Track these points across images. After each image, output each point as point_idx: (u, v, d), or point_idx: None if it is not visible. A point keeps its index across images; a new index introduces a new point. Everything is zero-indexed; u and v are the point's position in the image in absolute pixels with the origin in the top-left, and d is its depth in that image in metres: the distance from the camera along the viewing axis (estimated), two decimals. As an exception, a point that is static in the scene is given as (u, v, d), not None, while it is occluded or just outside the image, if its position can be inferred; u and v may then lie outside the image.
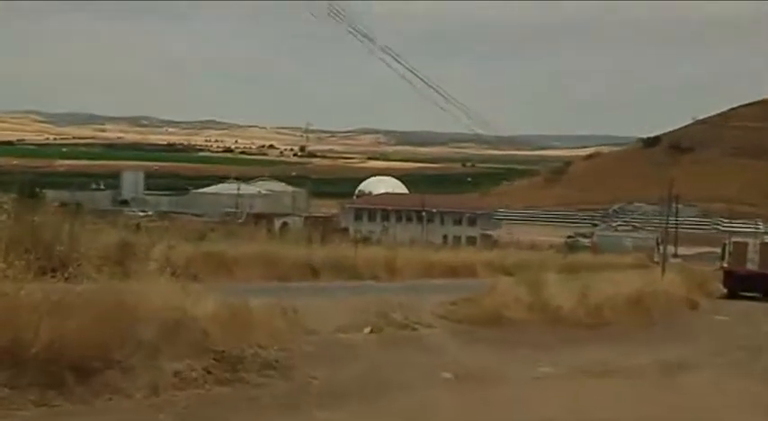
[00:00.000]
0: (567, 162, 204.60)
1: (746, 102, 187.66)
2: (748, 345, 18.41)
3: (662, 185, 63.13)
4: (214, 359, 10.40)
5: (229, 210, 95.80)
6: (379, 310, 15.04)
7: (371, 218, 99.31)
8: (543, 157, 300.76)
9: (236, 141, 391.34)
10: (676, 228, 74.43)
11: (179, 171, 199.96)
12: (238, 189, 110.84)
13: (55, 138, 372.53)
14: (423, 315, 16.06)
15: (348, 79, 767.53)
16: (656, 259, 51.65)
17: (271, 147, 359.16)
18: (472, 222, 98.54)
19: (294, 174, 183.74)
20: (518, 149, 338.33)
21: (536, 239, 76.45)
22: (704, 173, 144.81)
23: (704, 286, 31.18)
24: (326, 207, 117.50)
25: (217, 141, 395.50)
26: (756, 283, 32.02)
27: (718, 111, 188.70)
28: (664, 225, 57.17)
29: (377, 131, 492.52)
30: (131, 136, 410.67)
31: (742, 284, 32.45)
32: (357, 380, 11.34)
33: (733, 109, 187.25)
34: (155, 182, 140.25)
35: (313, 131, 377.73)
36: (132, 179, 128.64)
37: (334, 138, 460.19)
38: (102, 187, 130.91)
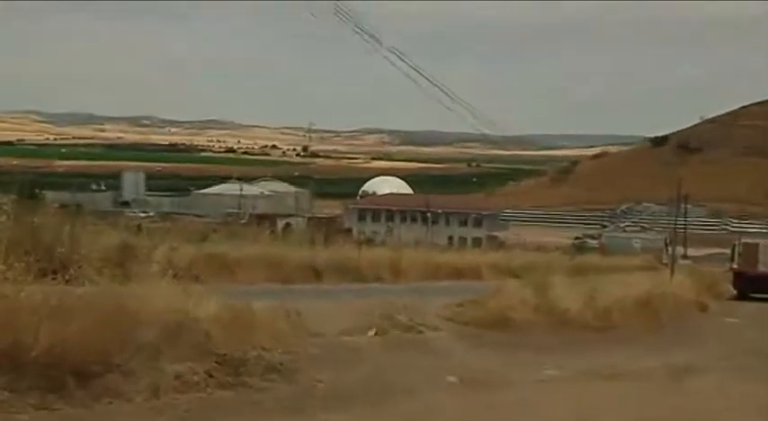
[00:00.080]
0: (574, 162, 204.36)
1: (756, 100, 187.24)
2: (758, 349, 18.35)
3: (670, 185, 63.22)
4: (216, 362, 10.40)
5: (232, 210, 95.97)
6: (384, 313, 15.03)
7: (375, 219, 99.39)
8: (550, 157, 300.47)
9: (239, 141, 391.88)
10: (685, 228, 74.43)
11: (181, 171, 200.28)
12: (241, 189, 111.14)
13: (55, 139, 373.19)
14: (428, 317, 16.05)
15: (351, 79, 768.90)
16: (664, 261, 51.52)
17: (273, 147, 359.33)
18: (478, 223, 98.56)
19: (297, 174, 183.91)
20: (524, 149, 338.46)
21: (543, 241, 76.44)
22: (713, 172, 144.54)
23: (714, 288, 31.06)
24: (330, 208, 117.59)
25: (219, 141, 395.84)
26: (767, 285, 31.95)
27: (727, 111, 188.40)
28: (672, 226, 57.19)
29: (381, 131, 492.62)
30: (132, 136, 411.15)
31: (752, 286, 32.38)
32: (362, 383, 11.34)
33: (743, 107, 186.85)
34: (156, 182, 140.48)
35: (316, 131, 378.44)
36: (133, 180, 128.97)
37: (337, 138, 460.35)
38: (102, 188, 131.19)
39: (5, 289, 9.26)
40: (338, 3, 21.25)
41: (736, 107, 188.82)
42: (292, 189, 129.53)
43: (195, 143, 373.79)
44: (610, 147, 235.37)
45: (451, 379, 12.36)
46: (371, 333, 14.27)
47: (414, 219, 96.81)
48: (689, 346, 17.93)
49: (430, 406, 10.87)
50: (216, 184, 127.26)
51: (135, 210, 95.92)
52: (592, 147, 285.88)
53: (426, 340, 14.81)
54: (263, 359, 10.97)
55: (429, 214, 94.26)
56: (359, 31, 21.86)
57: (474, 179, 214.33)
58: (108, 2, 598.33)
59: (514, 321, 17.37)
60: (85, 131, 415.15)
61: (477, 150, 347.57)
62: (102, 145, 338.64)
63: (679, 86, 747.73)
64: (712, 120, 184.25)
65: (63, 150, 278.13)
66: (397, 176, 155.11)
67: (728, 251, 38.44)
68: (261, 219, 78.37)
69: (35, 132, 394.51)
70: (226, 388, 10.19)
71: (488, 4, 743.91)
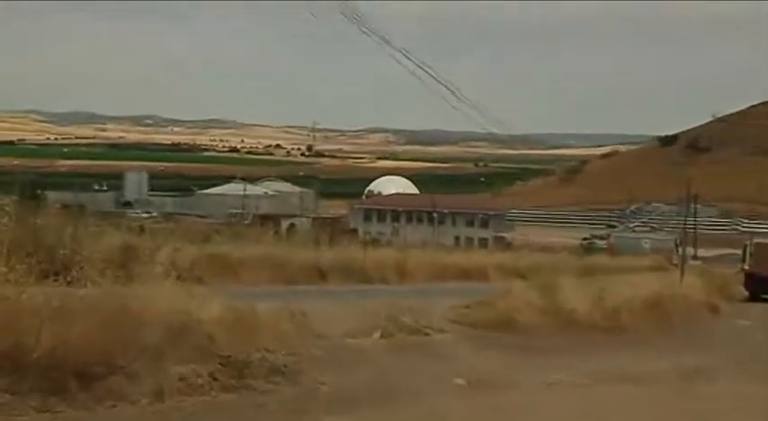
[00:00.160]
0: (583, 161, 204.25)
1: (766, 99, 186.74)
2: (770, 351, 18.33)
3: (680, 185, 63.16)
4: (220, 364, 10.41)
5: (235, 211, 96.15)
6: (389, 314, 15.02)
7: (381, 219, 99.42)
8: (558, 157, 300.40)
9: (243, 141, 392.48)
10: (695, 229, 74.25)
11: (184, 171, 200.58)
12: (244, 190, 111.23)
13: (56, 138, 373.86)
14: (434, 319, 16.04)
15: (356, 78, 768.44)
16: (674, 261, 51.45)
17: (277, 146, 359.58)
18: (485, 224, 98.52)
19: (302, 174, 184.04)
20: (532, 148, 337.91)
21: (550, 241, 76.38)
22: (723, 172, 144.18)
23: (725, 289, 31.00)
24: (335, 208, 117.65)
25: (222, 141, 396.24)
26: None
27: (737, 110, 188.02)
28: (682, 226, 57.12)
29: (386, 130, 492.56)
30: (134, 135, 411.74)
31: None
32: (366, 385, 11.34)
33: (753, 107, 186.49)
34: (159, 182, 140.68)
35: (321, 130, 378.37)
36: (136, 180, 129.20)
37: (342, 138, 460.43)
38: (104, 188, 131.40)
39: (7, 290, 9.29)
40: (344, 3, 21.22)
41: (745, 106, 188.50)
42: (296, 189, 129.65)
43: (198, 143, 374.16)
44: (619, 146, 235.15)
45: (459, 381, 12.35)
46: (377, 335, 14.26)
47: (420, 220, 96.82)
48: (699, 349, 17.88)
49: (436, 409, 10.86)
50: (219, 184, 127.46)
51: (137, 211, 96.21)
52: (600, 146, 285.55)
53: (432, 342, 14.81)
54: (267, 361, 10.97)
55: (435, 214, 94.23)
56: (366, 30, 21.83)
57: (482, 179, 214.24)
58: (108, 2, 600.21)
59: (521, 323, 17.36)
60: (87, 131, 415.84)
61: (483, 149, 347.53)
62: (104, 144, 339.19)
63: (688, 85, 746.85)
64: (722, 120, 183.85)
65: (65, 150, 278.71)
66: (403, 176, 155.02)
67: (739, 251, 38.41)
68: (265, 219, 78.42)
69: (36, 132, 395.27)
70: (230, 390, 10.20)
71: (495, 4, 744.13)
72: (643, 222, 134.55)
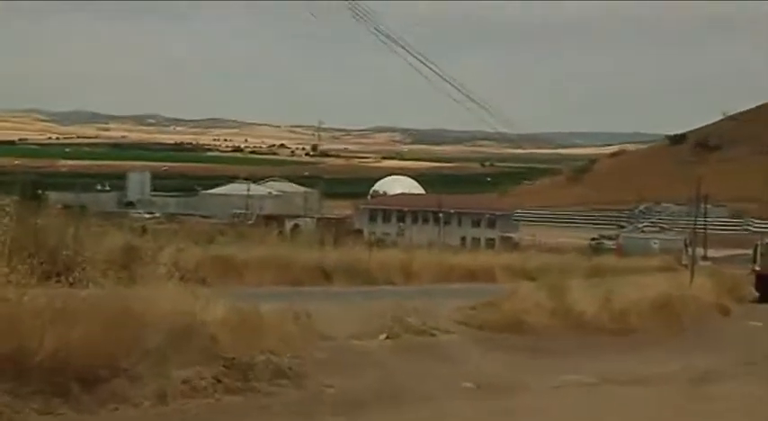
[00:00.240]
0: (592, 160, 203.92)
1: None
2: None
3: (689, 184, 62.97)
4: (224, 366, 10.42)
5: (239, 211, 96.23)
6: (395, 316, 15.03)
7: (386, 219, 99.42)
8: (565, 156, 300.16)
9: (246, 140, 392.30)
10: (705, 229, 74.05)
11: (187, 171, 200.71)
12: (248, 190, 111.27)
13: (58, 138, 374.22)
14: (440, 320, 16.05)
15: (362, 77, 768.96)
16: (684, 262, 51.36)
17: (282, 146, 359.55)
18: (491, 224, 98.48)
19: (306, 174, 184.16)
20: (539, 148, 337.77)
21: (558, 242, 76.30)
22: (733, 171, 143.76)
23: (735, 290, 30.94)
24: (340, 208, 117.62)
25: (226, 140, 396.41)
26: None
27: (747, 108, 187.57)
28: (692, 226, 57.00)
29: (392, 130, 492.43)
30: (136, 135, 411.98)
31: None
32: (372, 388, 11.33)
33: (764, 105, 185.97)
34: (162, 182, 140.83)
35: (325, 130, 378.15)
36: (138, 180, 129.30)
37: (347, 137, 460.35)
38: (107, 188, 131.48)
39: (9, 292, 9.29)
40: (351, 2, 21.22)
41: (755, 104, 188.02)
42: (301, 189, 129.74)
43: (201, 142, 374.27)
44: (627, 145, 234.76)
45: (467, 384, 12.35)
46: (382, 336, 14.27)
47: (425, 220, 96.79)
48: (709, 351, 17.86)
49: (444, 412, 10.87)
50: (223, 184, 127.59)
51: (140, 211, 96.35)
52: (608, 145, 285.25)
53: (439, 344, 14.81)
54: (272, 363, 10.98)
55: (441, 214, 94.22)
56: (374, 29, 21.82)
57: (488, 178, 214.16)
58: (108, 2, 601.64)
59: (529, 325, 17.36)
60: (89, 130, 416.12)
61: (490, 149, 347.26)
62: (107, 144, 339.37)
63: (697, 83, 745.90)
64: (732, 118, 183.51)
65: (66, 150, 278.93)
66: (409, 176, 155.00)
67: (750, 252, 38.32)
68: (269, 219, 78.51)
69: (38, 131, 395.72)
70: (234, 393, 10.21)
71: (494, 4, 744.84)
72: (652, 222, 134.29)
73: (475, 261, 35.49)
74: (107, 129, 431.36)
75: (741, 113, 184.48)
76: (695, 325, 21.21)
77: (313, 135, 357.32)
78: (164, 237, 24.62)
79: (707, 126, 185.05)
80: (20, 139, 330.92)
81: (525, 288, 19.69)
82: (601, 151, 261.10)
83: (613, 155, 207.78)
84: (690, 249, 49.17)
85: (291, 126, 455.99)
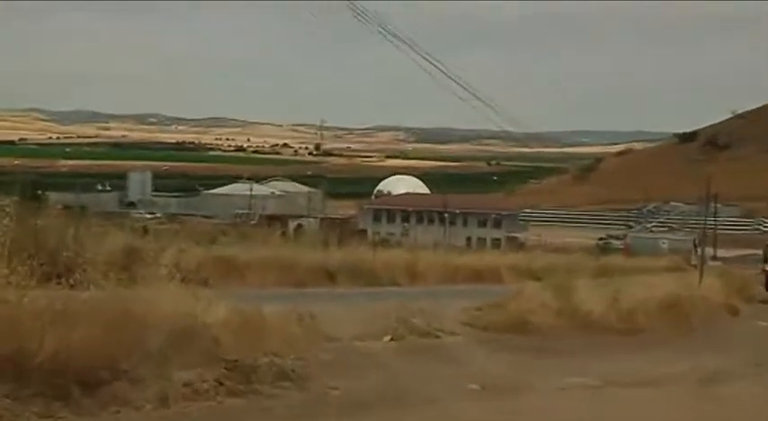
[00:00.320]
0: (598, 159, 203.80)
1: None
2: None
3: (698, 183, 62.87)
4: (226, 368, 10.44)
5: (241, 211, 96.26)
6: (400, 317, 15.05)
7: (391, 219, 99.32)
8: (572, 155, 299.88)
9: (249, 140, 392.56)
10: (715, 228, 73.98)
11: (189, 171, 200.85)
12: (251, 189, 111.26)
13: (58, 137, 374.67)
14: (446, 322, 16.06)
15: (365, 75, 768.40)
16: (693, 262, 51.33)
17: (285, 145, 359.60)
18: (497, 224, 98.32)
19: (309, 173, 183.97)
20: (545, 146, 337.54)
21: (565, 241, 76.24)
22: (743, 170, 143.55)
23: (745, 290, 30.90)
24: (343, 208, 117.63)
25: (228, 140, 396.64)
26: None
27: (757, 106, 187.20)
28: (702, 226, 56.92)
29: (396, 128, 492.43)
30: (137, 134, 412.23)
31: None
32: (377, 390, 11.34)
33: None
34: (163, 182, 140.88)
35: (328, 128, 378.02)
36: (139, 180, 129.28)
37: (350, 136, 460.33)
38: (107, 188, 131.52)
39: (8, 294, 9.31)
40: (356, 2, 21.26)
41: (763, 102, 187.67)
42: (304, 189, 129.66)
43: (203, 141, 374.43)
44: (635, 143, 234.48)
45: (472, 386, 12.36)
46: (387, 338, 14.29)
47: (430, 220, 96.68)
48: (719, 351, 17.85)
49: (450, 414, 10.87)
50: (225, 184, 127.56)
51: (141, 212, 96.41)
52: (615, 144, 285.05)
53: (444, 345, 14.83)
54: (275, 365, 10.99)
55: (446, 214, 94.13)
56: (381, 29, 21.85)
57: (494, 177, 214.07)
58: (109, 1, 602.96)
59: (536, 325, 17.37)
60: (90, 130, 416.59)
61: (496, 148, 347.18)
62: (107, 143, 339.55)
63: (714, 80, 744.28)
64: (742, 116, 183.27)
65: (67, 150, 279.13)
66: (413, 175, 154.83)
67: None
68: (272, 220, 78.64)
69: (38, 131, 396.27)
70: (236, 395, 10.22)
71: (495, 4, 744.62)
72: (660, 222, 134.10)
73: (480, 261, 35.47)
74: (107, 129, 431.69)
75: (749, 111, 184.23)
76: (704, 325, 21.20)
77: (316, 134, 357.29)
78: (165, 237, 24.69)
79: (715, 124, 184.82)
80: (20, 139, 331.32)
81: (531, 288, 19.72)
82: (607, 150, 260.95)
83: (620, 153, 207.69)
84: (699, 249, 49.12)
85: (294, 125, 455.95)
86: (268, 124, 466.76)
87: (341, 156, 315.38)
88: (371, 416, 10.39)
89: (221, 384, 10.21)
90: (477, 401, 11.62)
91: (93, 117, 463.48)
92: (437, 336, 15.21)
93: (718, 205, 76.51)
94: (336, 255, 27.41)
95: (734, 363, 16.26)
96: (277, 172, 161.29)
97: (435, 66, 25.18)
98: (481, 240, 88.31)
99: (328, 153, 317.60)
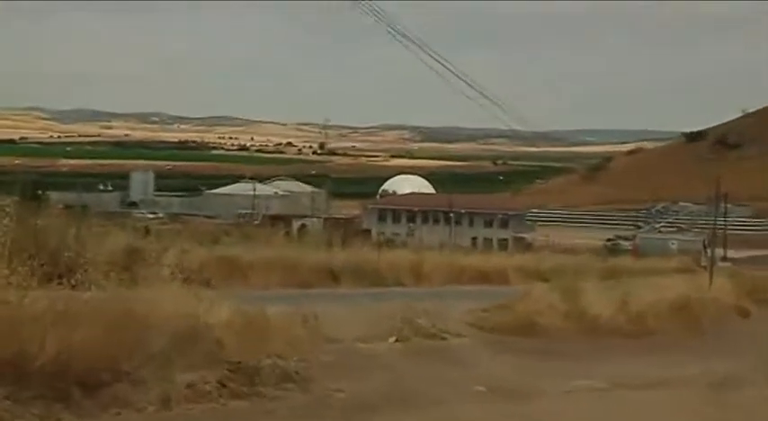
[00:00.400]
0: (607, 158, 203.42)
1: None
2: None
3: (708, 183, 62.72)
4: (229, 370, 10.45)
5: (244, 211, 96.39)
6: (405, 318, 15.05)
7: (396, 219, 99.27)
8: (578, 154, 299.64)
9: (252, 139, 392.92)
10: (725, 229, 73.84)
11: (191, 170, 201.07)
12: (254, 189, 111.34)
13: (59, 136, 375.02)
14: (451, 323, 16.06)
15: (370, 73, 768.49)
16: (703, 263, 51.24)
17: (288, 144, 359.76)
18: (504, 224, 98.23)
19: (313, 172, 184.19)
20: (552, 145, 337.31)
21: (573, 242, 76.20)
22: (754, 169, 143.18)
23: (755, 292, 30.82)
24: (348, 208, 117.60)
25: (231, 139, 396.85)
26: None
27: (764, 105, 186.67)
28: (712, 226, 56.81)
29: (401, 127, 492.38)
30: (139, 133, 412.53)
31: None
32: (381, 392, 11.34)
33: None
34: (165, 182, 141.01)
35: (332, 127, 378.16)
36: (141, 179, 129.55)
37: (355, 135, 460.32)
38: (109, 188, 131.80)
39: (9, 295, 9.33)
40: (364, 2, 21.24)
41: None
42: (308, 188, 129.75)
43: (206, 140, 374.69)
44: (644, 143, 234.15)
45: (478, 388, 12.35)
46: (392, 339, 14.29)
47: (436, 220, 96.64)
48: (729, 354, 17.81)
49: (455, 416, 10.87)
50: (228, 184, 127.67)
51: (143, 211, 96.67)
52: (623, 143, 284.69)
53: (450, 347, 14.82)
54: (278, 367, 11.00)
55: (452, 214, 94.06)
56: (392, 30, 21.83)
57: (501, 177, 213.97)
58: (109, 2, 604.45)
59: (542, 327, 17.36)
60: (91, 129, 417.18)
61: (503, 147, 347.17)
62: (109, 143, 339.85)
63: (724, 79, 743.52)
64: (752, 115, 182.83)
65: (68, 149, 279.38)
66: (419, 175, 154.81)
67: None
68: (275, 220, 78.70)
69: (39, 130, 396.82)
70: (239, 397, 10.23)
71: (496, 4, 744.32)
72: (670, 222, 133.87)
73: (487, 262, 35.44)
74: (109, 128, 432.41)
75: (760, 110, 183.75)
76: (714, 327, 21.16)
77: (320, 133, 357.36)
78: (167, 237, 24.73)
79: (725, 123, 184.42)
80: (20, 138, 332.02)
81: (538, 289, 19.69)
82: (615, 149, 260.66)
83: (630, 153, 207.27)
84: (709, 250, 49.04)
85: (298, 124, 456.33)
86: (271, 123, 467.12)
87: (345, 155, 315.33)
88: (376, 419, 10.39)
89: (224, 386, 10.22)
90: (483, 403, 11.62)
91: (95, 116, 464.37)
92: (443, 338, 15.21)
93: (729, 205, 76.41)
94: (340, 256, 27.41)
95: (744, 367, 16.20)
96: (280, 171, 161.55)
97: (443, 64, 25.14)
98: (487, 241, 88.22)
99: (333, 152, 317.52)
